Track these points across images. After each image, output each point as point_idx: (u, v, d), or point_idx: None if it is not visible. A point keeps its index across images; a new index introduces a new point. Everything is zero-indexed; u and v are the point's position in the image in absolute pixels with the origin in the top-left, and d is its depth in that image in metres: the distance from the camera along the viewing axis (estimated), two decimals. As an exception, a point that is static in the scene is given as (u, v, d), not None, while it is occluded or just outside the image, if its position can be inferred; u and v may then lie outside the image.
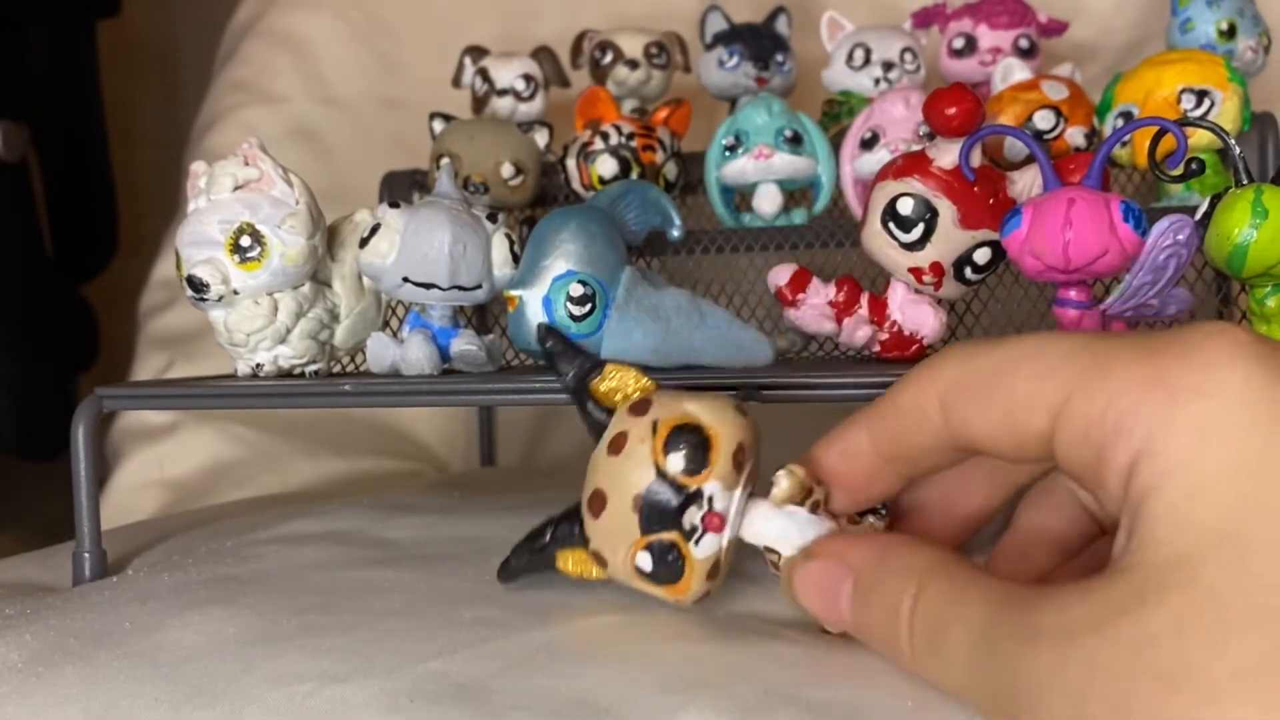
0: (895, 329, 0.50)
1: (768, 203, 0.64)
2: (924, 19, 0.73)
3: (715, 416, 0.35)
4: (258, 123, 1.04)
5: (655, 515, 0.35)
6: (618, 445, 0.36)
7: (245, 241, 0.53)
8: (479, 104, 0.76)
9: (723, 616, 0.41)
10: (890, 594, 0.31)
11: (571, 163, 0.66)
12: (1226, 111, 0.57)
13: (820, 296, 0.51)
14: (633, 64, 0.75)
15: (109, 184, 1.54)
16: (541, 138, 0.69)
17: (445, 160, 0.61)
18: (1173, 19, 0.65)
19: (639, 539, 0.35)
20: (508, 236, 0.54)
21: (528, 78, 0.75)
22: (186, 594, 0.46)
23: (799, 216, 0.64)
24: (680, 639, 0.38)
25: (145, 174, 1.57)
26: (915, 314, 0.49)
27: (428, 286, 0.53)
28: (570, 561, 0.39)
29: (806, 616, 0.41)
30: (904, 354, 0.50)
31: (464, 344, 0.54)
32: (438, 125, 0.70)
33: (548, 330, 0.40)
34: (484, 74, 0.75)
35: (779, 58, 0.72)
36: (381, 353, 0.54)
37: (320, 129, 1.04)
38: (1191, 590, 0.25)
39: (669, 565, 0.35)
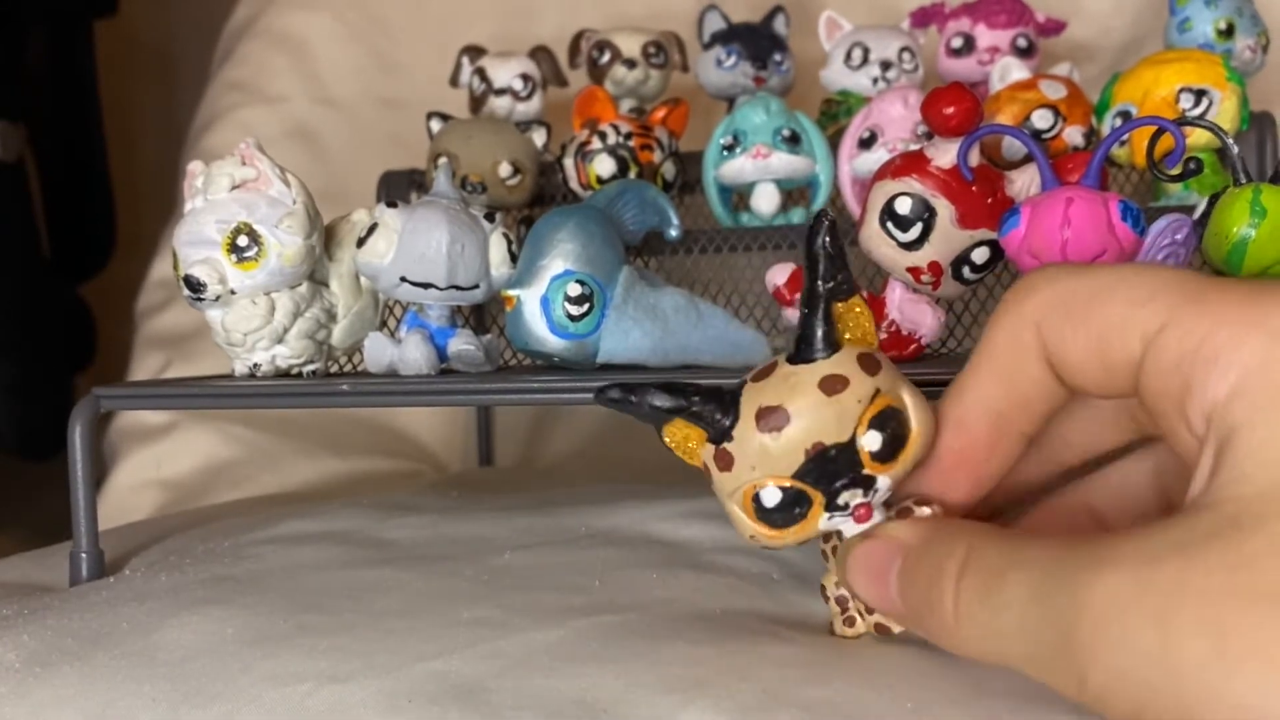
0: (893, 328, 0.50)
1: (765, 202, 0.64)
2: (922, 18, 0.73)
3: (920, 419, 0.33)
4: (255, 123, 1.04)
5: (820, 472, 0.33)
6: (832, 387, 0.33)
7: (242, 241, 0.53)
8: (476, 103, 0.76)
9: (722, 616, 0.41)
10: (937, 559, 0.31)
11: (569, 162, 0.66)
12: (1225, 111, 0.57)
13: (818, 296, 0.51)
14: (630, 63, 0.75)
15: (106, 184, 1.54)
16: (539, 137, 0.69)
17: (443, 160, 0.61)
18: (1171, 18, 0.65)
19: (786, 476, 0.33)
20: (505, 236, 0.54)
21: (525, 77, 0.75)
22: (184, 594, 0.46)
23: (797, 216, 0.64)
24: (680, 639, 0.38)
25: (143, 174, 1.57)
26: (913, 313, 0.49)
27: (425, 286, 0.53)
28: (679, 434, 0.36)
29: (808, 616, 0.41)
30: (902, 353, 0.50)
31: (462, 344, 0.54)
32: (435, 125, 0.70)
33: (831, 224, 0.35)
34: (482, 73, 0.75)
35: (777, 57, 0.72)
36: (379, 353, 0.54)
37: (318, 129, 1.04)
38: None
39: (789, 515, 0.33)
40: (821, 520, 0.34)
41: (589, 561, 0.48)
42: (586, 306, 0.51)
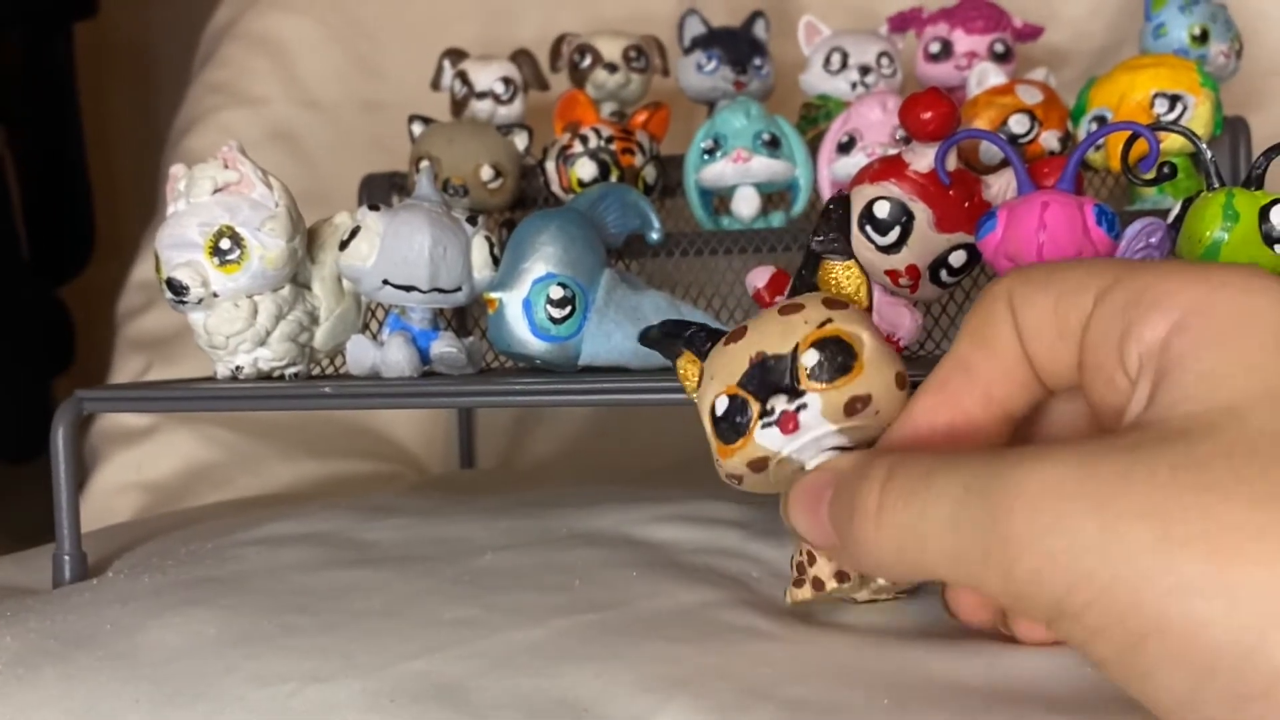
0: (872, 331, 0.50)
1: (746, 205, 0.64)
2: (900, 23, 0.73)
3: (873, 363, 0.34)
4: (236, 125, 1.04)
5: (757, 378, 0.34)
6: (789, 310, 0.35)
7: (225, 244, 0.53)
8: (458, 107, 0.76)
9: (702, 615, 0.41)
10: (865, 472, 0.31)
11: (551, 165, 0.67)
12: (1199, 116, 0.58)
13: (798, 299, 0.51)
14: (611, 67, 0.75)
15: (86, 186, 1.54)
16: (521, 140, 0.69)
17: (425, 163, 0.61)
18: (1146, 24, 0.66)
19: (733, 385, 0.35)
20: (488, 239, 0.54)
21: (507, 80, 0.75)
22: (167, 595, 0.46)
23: (777, 219, 0.65)
24: (659, 638, 0.39)
25: (122, 176, 1.57)
26: (892, 316, 0.50)
27: (408, 289, 0.53)
28: (687, 366, 0.38)
29: (786, 615, 0.41)
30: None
31: (444, 346, 0.54)
32: (417, 128, 0.70)
33: (839, 201, 0.38)
34: (463, 77, 0.76)
35: (757, 62, 0.72)
36: (361, 355, 0.54)
37: (299, 131, 1.04)
38: (1241, 428, 0.26)
39: (732, 425, 0.35)
40: (758, 431, 0.34)
41: (569, 562, 0.48)
42: (568, 309, 0.51)
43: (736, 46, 0.72)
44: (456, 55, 0.77)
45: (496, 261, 0.54)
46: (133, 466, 0.90)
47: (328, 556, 0.51)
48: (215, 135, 1.01)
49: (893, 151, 0.50)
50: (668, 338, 0.39)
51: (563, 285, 0.52)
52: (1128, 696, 0.26)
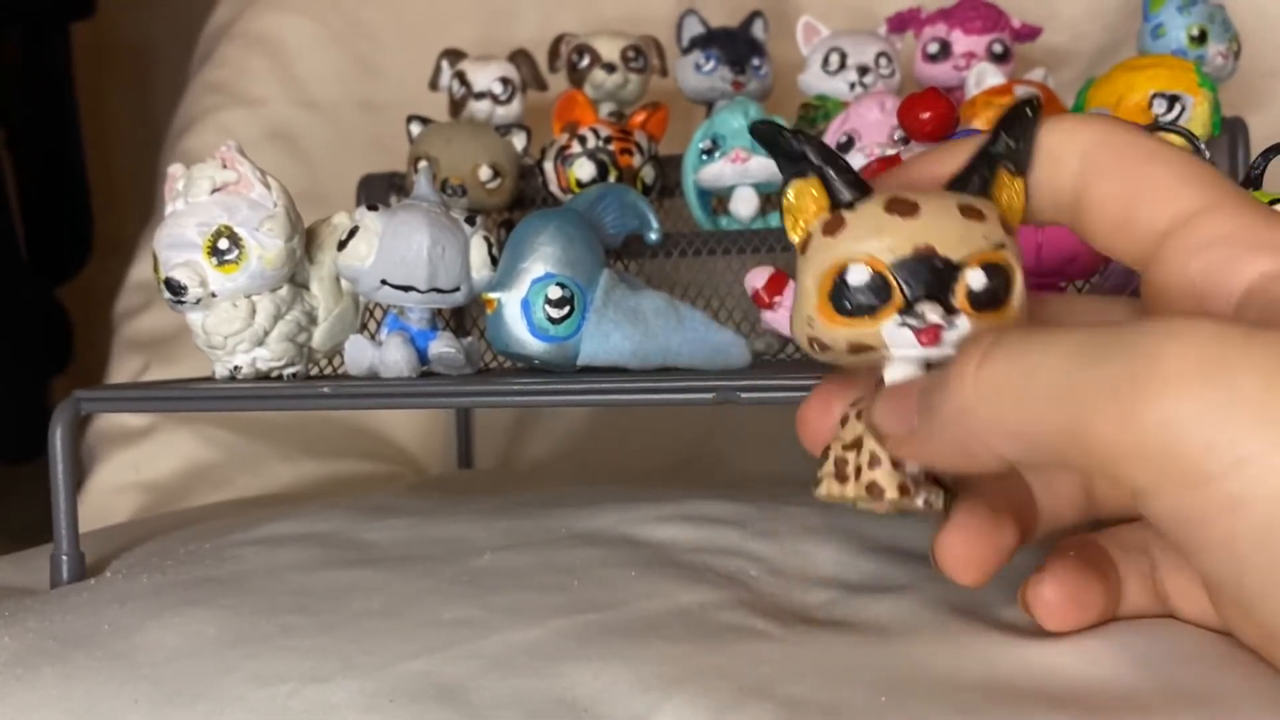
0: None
1: (744, 206, 0.64)
2: (899, 24, 0.73)
3: (1018, 304, 0.32)
4: (234, 125, 1.04)
5: (918, 274, 0.31)
6: (970, 212, 0.32)
7: (223, 244, 0.53)
8: (456, 107, 0.76)
9: (700, 614, 0.41)
10: (968, 344, 0.29)
11: (549, 166, 0.67)
12: (1197, 116, 0.58)
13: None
14: (610, 68, 0.75)
15: (84, 186, 1.54)
16: (519, 141, 0.70)
17: (423, 163, 0.61)
18: (1144, 24, 0.66)
19: (884, 263, 0.31)
20: (486, 239, 0.54)
21: (505, 81, 0.75)
22: (166, 595, 0.46)
23: (775, 219, 0.65)
24: (658, 637, 0.39)
25: (120, 176, 1.57)
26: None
27: (406, 289, 0.53)
28: (802, 193, 0.33)
29: (785, 613, 0.41)
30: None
31: (442, 346, 0.54)
32: (415, 128, 0.70)
33: (1034, 103, 0.33)
34: (461, 77, 0.76)
35: (755, 62, 0.73)
36: (359, 355, 0.54)
37: (297, 131, 1.04)
38: None
39: (864, 301, 0.31)
40: (888, 323, 0.31)
41: (568, 562, 0.48)
42: (567, 309, 0.51)
43: (735, 47, 0.72)
44: (455, 55, 0.77)
45: (495, 262, 0.54)
46: (131, 467, 0.90)
47: (326, 557, 0.51)
48: (213, 135, 1.01)
49: (891, 152, 0.50)
50: (797, 152, 0.33)
51: (561, 285, 0.52)
52: (1127, 692, 0.26)
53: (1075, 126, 0.32)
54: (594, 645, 0.38)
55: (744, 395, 0.46)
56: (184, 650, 0.40)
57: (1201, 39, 0.64)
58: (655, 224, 0.59)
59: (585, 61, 0.76)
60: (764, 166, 0.63)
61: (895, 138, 0.59)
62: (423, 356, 0.54)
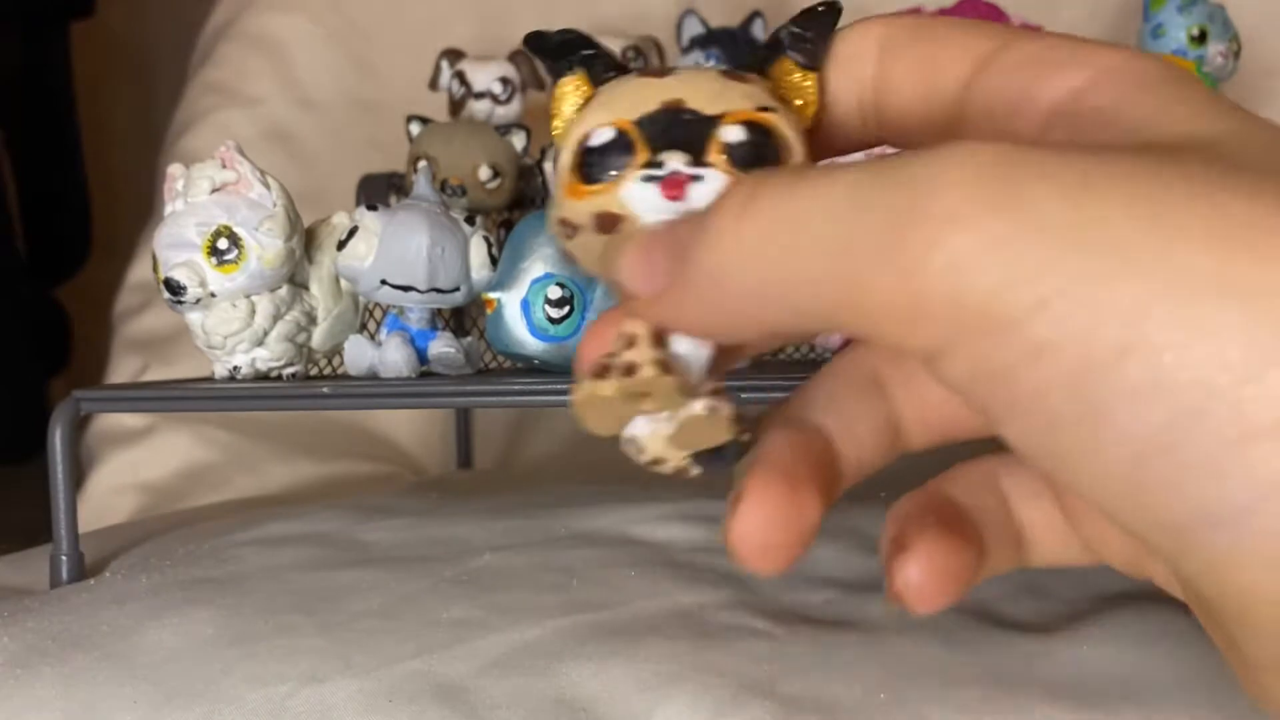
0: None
1: (744, 206, 0.64)
2: (899, 24, 0.73)
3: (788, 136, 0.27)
4: (234, 125, 1.04)
5: (662, 125, 0.27)
6: (732, 76, 0.28)
7: (223, 244, 0.53)
8: (456, 107, 0.76)
9: (699, 614, 0.41)
10: (724, 194, 0.25)
11: (549, 166, 0.66)
12: (1197, 116, 0.58)
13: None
14: (610, 67, 0.75)
15: (82, 186, 1.54)
16: (519, 140, 0.69)
17: (422, 163, 0.61)
18: (1144, 25, 0.66)
19: (627, 120, 0.27)
20: (486, 239, 0.54)
21: (505, 80, 0.75)
22: (164, 596, 0.46)
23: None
24: (657, 636, 0.39)
25: (119, 176, 1.57)
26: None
27: (405, 289, 0.53)
28: (570, 88, 0.30)
29: (783, 612, 0.41)
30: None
31: (442, 346, 0.54)
32: (415, 128, 0.70)
33: (831, 6, 0.30)
34: (461, 77, 0.76)
35: (755, 62, 0.72)
36: (359, 355, 0.54)
37: (297, 131, 1.04)
38: (1214, 150, 0.21)
39: (604, 162, 0.27)
40: (631, 183, 0.27)
41: (567, 562, 0.48)
42: (567, 309, 0.51)
43: (735, 46, 0.72)
44: (454, 55, 0.77)
45: (495, 261, 0.54)
46: (130, 467, 0.90)
47: (325, 557, 0.51)
48: (213, 135, 1.01)
49: (890, 151, 0.50)
50: (561, 46, 0.30)
51: (561, 285, 0.52)
52: (1126, 689, 0.26)
53: (870, 22, 0.29)
54: (593, 645, 0.38)
55: (744, 395, 0.46)
56: (182, 651, 0.40)
57: (1202, 39, 0.64)
58: (655, 224, 0.59)
59: (585, 61, 0.76)
60: (763, 166, 0.63)
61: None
62: (422, 357, 0.54)
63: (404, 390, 0.53)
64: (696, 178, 0.26)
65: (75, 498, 0.53)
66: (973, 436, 0.29)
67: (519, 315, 0.52)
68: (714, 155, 0.26)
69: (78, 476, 0.83)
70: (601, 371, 0.27)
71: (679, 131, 0.27)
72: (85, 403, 0.54)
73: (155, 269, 0.54)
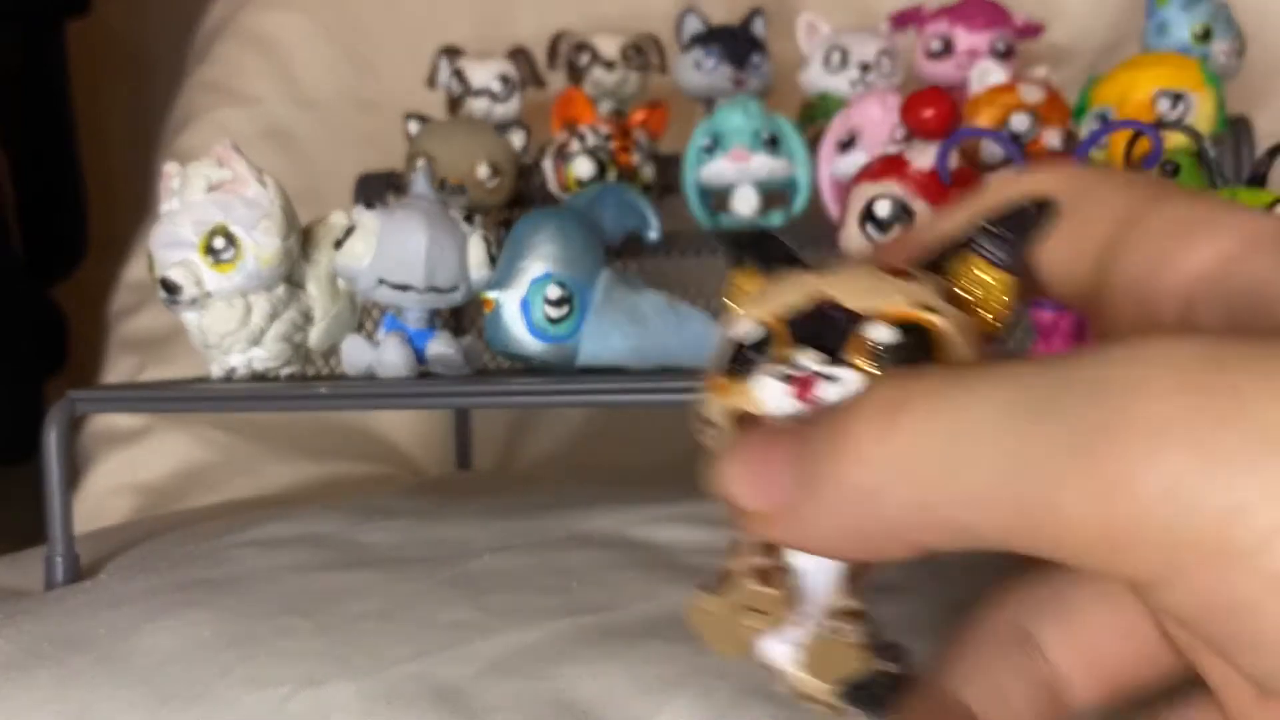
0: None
1: (745, 204, 0.64)
2: (901, 21, 0.73)
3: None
4: (230, 123, 1.03)
5: (810, 325, 0.25)
6: (896, 272, 0.26)
7: (219, 243, 0.52)
8: (454, 105, 0.76)
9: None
10: (860, 396, 0.22)
11: (548, 164, 0.66)
12: (1202, 114, 0.57)
13: (798, 298, 0.51)
14: (609, 65, 0.75)
15: (79, 185, 1.53)
16: (518, 139, 0.69)
17: (421, 161, 0.61)
18: (1148, 22, 0.66)
19: (777, 318, 0.25)
20: (485, 238, 0.54)
21: (504, 79, 0.75)
22: (161, 597, 0.45)
23: (776, 218, 0.64)
24: (657, 639, 0.38)
25: (116, 175, 1.57)
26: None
27: (404, 288, 0.53)
28: (743, 282, 0.28)
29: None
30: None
31: (440, 346, 0.54)
32: (413, 126, 0.69)
33: (1046, 208, 0.26)
34: (459, 75, 0.75)
35: (755, 59, 0.72)
36: (357, 355, 0.54)
37: (294, 130, 1.04)
38: None
39: (743, 359, 0.25)
40: (764, 380, 0.25)
41: (567, 564, 0.48)
42: (566, 309, 0.51)
43: (735, 44, 0.72)
44: (453, 53, 0.77)
45: (494, 261, 0.54)
46: (126, 468, 0.90)
47: (323, 558, 0.51)
48: (209, 133, 1.01)
49: (893, 150, 0.50)
50: (739, 244, 0.28)
51: (560, 285, 0.51)
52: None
53: (1025, 176, 0.27)
54: (593, 647, 0.38)
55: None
56: (179, 653, 0.39)
57: (1206, 36, 0.64)
58: (655, 223, 0.59)
59: (585, 59, 0.76)
60: (765, 164, 0.62)
61: (897, 136, 0.59)
62: (420, 357, 0.54)
63: (402, 391, 0.52)
64: (828, 377, 0.24)
65: (71, 498, 0.53)
66: (1157, 680, 0.26)
67: (518, 315, 0.52)
68: (855, 354, 0.24)
69: (73, 477, 0.83)
70: (716, 582, 0.25)
71: (820, 329, 0.25)
72: (81, 403, 0.53)
73: (151, 268, 0.54)
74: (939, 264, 0.26)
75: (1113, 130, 0.45)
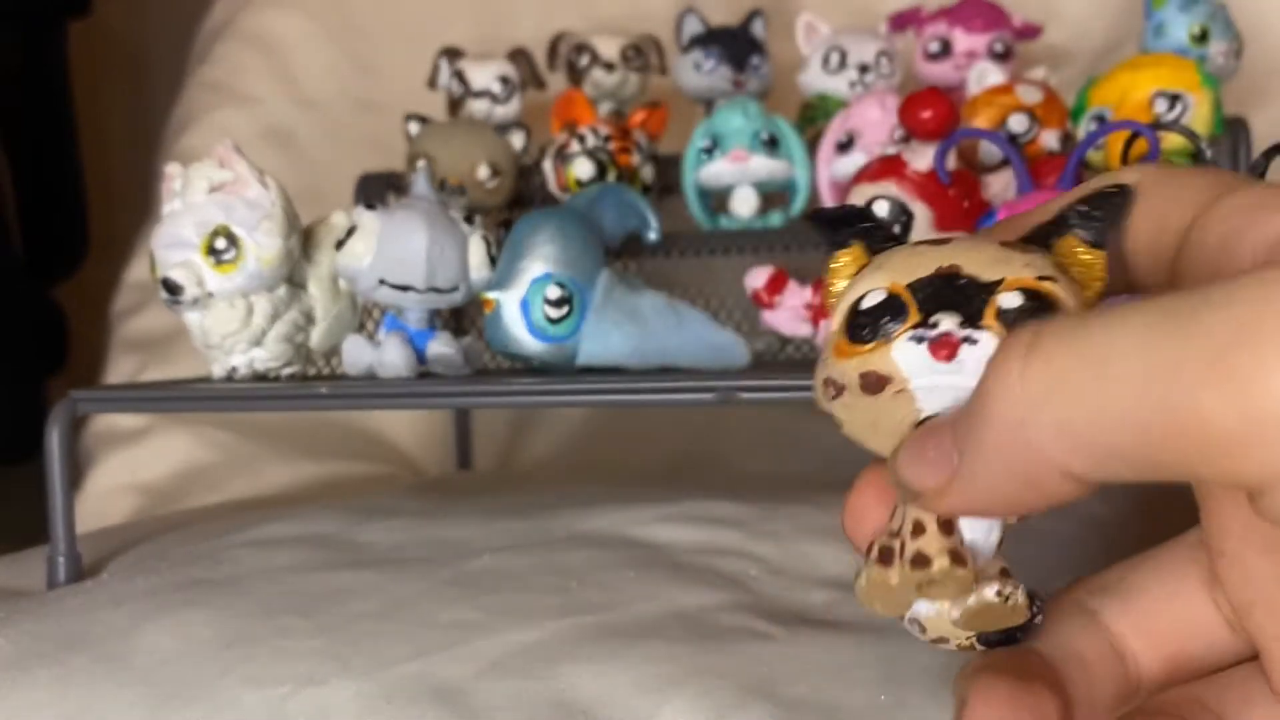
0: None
1: (744, 205, 0.64)
2: (900, 22, 0.73)
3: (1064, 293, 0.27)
4: (231, 124, 1.03)
5: (936, 289, 0.27)
6: (1013, 247, 0.28)
7: (220, 244, 0.53)
8: (455, 106, 0.76)
9: (699, 615, 0.41)
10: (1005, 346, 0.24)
11: (548, 165, 0.66)
12: (1199, 115, 0.57)
13: (797, 299, 0.51)
14: (609, 66, 0.75)
15: (80, 185, 1.53)
16: (518, 140, 0.69)
17: (421, 162, 0.61)
18: (1146, 23, 0.66)
19: (901, 284, 0.27)
20: (485, 239, 0.54)
21: (504, 80, 0.75)
22: (162, 597, 0.46)
23: (775, 219, 0.65)
24: (657, 638, 0.39)
25: (117, 175, 1.57)
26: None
27: (404, 289, 0.53)
28: (848, 260, 0.30)
29: (784, 614, 0.41)
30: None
31: (440, 346, 0.54)
32: (413, 127, 0.69)
33: (1125, 191, 0.29)
34: (460, 76, 0.75)
35: (755, 60, 0.72)
36: (358, 355, 0.54)
37: (295, 131, 1.04)
38: None
39: (876, 324, 0.27)
40: (900, 342, 0.27)
41: (567, 563, 0.48)
42: (566, 309, 0.51)
43: (735, 45, 0.72)
44: (453, 54, 0.77)
45: (494, 261, 0.54)
46: (127, 468, 0.90)
47: (323, 558, 0.51)
48: (211, 134, 1.01)
49: (892, 151, 0.50)
50: (838, 222, 0.30)
51: (560, 285, 0.51)
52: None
53: (1124, 171, 0.29)
54: (593, 647, 0.38)
55: (744, 395, 0.46)
56: (180, 652, 0.39)
57: (1203, 38, 0.64)
58: (654, 223, 0.59)
59: (584, 60, 0.76)
60: (764, 165, 0.63)
61: (896, 136, 0.59)
62: (421, 357, 0.54)
63: (402, 391, 0.52)
64: (970, 340, 0.26)
65: (72, 498, 0.53)
66: (1214, 662, 0.28)
67: (518, 315, 0.52)
68: (990, 320, 0.26)
69: (75, 477, 0.83)
70: (886, 556, 0.27)
71: (953, 295, 0.27)
72: (83, 403, 0.53)
73: (153, 269, 0.54)
74: (1042, 243, 0.28)
75: (1110, 131, 0.45)
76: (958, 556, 0.27)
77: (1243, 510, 0.26)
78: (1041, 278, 0.27)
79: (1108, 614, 0.29)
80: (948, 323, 0.26)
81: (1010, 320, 0.26)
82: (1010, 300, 0.26)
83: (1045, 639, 0.28)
